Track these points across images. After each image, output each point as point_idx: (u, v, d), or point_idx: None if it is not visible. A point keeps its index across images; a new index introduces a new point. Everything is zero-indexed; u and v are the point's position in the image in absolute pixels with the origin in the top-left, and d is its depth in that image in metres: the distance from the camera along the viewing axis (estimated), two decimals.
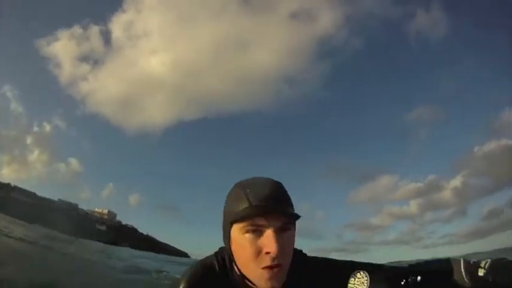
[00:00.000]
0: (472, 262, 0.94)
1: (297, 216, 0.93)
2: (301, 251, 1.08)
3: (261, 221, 0.90)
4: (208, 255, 1.09)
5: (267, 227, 0.90)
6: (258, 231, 0.90)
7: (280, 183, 1.00)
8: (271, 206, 0.91)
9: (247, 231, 0.91)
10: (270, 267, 0.89)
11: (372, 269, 1.01)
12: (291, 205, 0.96)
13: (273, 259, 0.88)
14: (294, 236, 0.94)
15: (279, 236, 0.89)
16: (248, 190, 0.95)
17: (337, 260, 1.09)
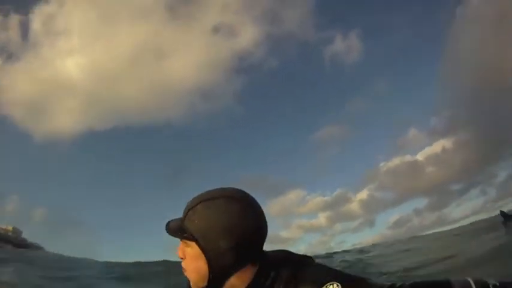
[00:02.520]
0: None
1: (175, 235, 0.94)
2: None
3: None
4: None
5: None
6: None
7: (197, 198, 0.96)
8: (166, 226, 0.98)
9: None
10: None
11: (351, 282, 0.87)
12: (190, 220, 0.92)
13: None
14: (191, 252, 0.92)
15: (183, 245, 0.95)
16: None
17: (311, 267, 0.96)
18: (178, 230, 0.93)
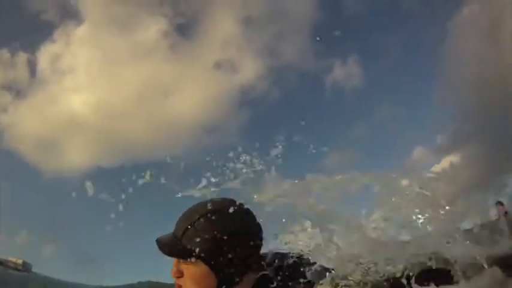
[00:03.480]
0: None
1: (174, 255, 0.92)
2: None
3: None
4: None
5: None
6: None
7: (193, 212, 0.92)
8: (159, 246, 0.93)
9: None
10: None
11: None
12: (192, 238, 0.87)
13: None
14: (196, 271, 0.87)
15: (180, 262, 0.92)
16: None
17: None
18: (180, 251, 0.89)
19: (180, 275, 0.90)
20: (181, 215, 0.93)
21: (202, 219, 0.88)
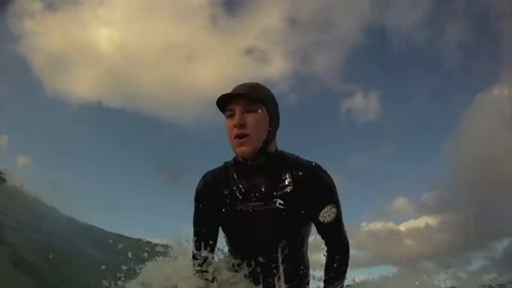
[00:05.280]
0: None
1: (256, 99, 1.20)
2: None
3: (232, 106, 1.20)
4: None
5: (235, 109, 1.19)
6: (232, 115, 1.21)
7: (259, 84, 1.28)
8: (234, 92, 1.21)
9: (227, 116, 1.23)
10: (237, 136, 1.19)
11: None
12: (257, 92, 1.22)
13: (237, 129, 1.17)
14: (262, 116, 1.21)
15: (244, 114, 1.19)
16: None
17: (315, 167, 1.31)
18: (259, 97, 1.21)
19: (244, 122, 1.18)
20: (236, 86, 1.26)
21: (258, 84, 1.28)
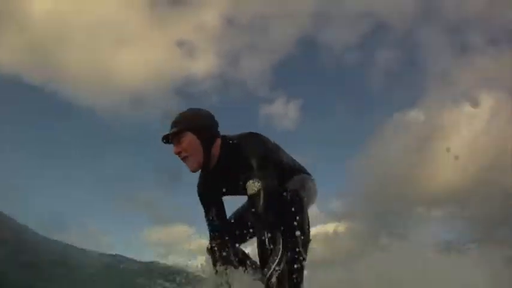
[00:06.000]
0: None
1: (179, 131, 1.54)
2: (250, 133, 1.63)
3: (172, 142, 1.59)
4: None
5: (173, 143, 1.58)
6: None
7: (185, 112, 1.64)
8: (164, 135, 1.58)
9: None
10: (183, 160, 1.57)
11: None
12: (181, 124, 1.56)
13: (179, 156, 1.56)
14: (190, 139, 1.54)
15: (178, 145, 1.55)
16: None
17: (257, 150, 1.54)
18: (175, 132, 1.54)
19: (180, 149, 1.54)
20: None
21: (183, 113, 1.61)
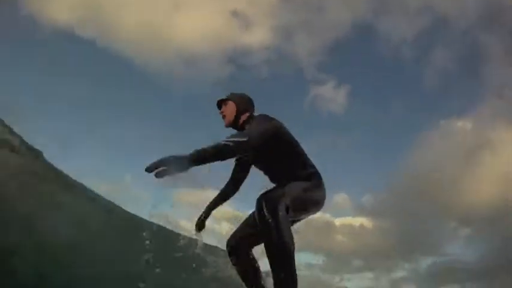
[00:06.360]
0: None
1: (226, 98, 2.18)
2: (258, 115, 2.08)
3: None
4: None
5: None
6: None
7: (234, 92, 2.24)
8: (218, 99, 2.21)
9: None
10: (222, 117, 2.18)
11: None
12: (228, 96, 2.19)
13: (221, 114, 2.18)
14: (231, 106, 2.15)
15: (222, 107, 2.17)
16: None
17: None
18: (224, 99, 2.19)
19: (223, 110, 2.15)
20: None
21: (234, 93, 2.21)
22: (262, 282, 2.00)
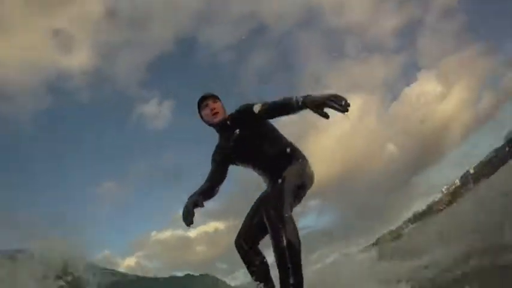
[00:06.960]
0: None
1: (215, 96, 2.22)
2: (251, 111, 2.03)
3: (205, 101, 2.19)
4: None
5: (208, 101, 2.19)
6: (206, 105, 2.19)
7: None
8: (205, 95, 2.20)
9: (203, 106, 2.21)
10: (213, 114, 2.15)
11: None
12: (215, 95, 2.23)
13: (212, 110, 2.15)
14: (221, 104, 2.20)
15: (212, 103, 2.17)
16: None
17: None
18: (215, 96, 2.23)
19: (215, 107, 2.15)
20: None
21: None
22: (271, 278, 2.04)
